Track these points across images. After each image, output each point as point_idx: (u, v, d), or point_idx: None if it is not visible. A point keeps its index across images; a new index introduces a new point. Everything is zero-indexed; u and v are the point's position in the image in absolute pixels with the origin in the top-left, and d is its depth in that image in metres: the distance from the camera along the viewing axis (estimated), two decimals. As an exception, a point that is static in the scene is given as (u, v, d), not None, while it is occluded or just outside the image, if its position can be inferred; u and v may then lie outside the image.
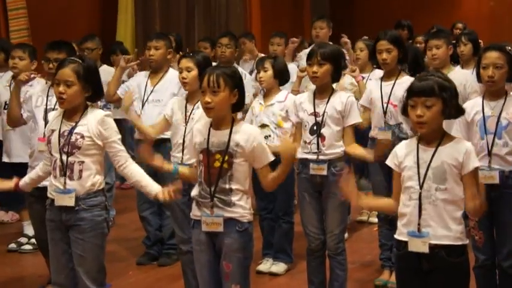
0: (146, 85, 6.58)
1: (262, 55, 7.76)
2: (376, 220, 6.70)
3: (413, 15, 11.74)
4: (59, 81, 4.25)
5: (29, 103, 5.61)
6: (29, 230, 6.76)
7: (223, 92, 4.00)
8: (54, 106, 5.35)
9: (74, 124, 4.27)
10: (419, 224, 3.67)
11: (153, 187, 4.32)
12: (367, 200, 4.07)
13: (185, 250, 5.25)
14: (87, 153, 4.26)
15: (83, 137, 4.24)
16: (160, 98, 6.40)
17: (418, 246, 3.67)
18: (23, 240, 7.18)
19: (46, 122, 5.26)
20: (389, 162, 3.88)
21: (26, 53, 6.60)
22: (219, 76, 4.00)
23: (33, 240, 6.66)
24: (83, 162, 4.25)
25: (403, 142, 3.94)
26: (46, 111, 5.42)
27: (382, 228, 6.04)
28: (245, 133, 4.05)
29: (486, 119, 4.75)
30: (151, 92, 6.52)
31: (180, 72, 5.42)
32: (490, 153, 4.73)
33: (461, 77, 6.13)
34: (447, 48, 6.37)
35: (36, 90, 5.72)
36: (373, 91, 5.89)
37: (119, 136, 4.35)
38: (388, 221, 5.82)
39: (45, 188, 4.53)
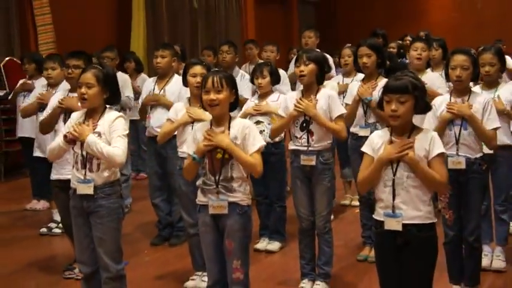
0: (154, 90, 6.55)
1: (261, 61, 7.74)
2: (357, 203, 6.68)
3: (388, 25, 11.71)
4: (81, 83, 4.26)
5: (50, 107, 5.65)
6: (57, 216, 6.73)
7: (225, 92, 4.03)
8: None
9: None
10: (393, 207, 3.69)
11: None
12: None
13: (192, 233, 5.25)
14: None
15: (99, 135, 4.22)
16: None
17: (393, 225, 3.69)
18: (53, 225, 7.17)
19: (66, 122, 5.27)
20: (365, 148, 3.86)
21: (56, 63, 6.55)
22: (222, 78, 4.04)
23: (61, 225, 6.64)
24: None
25: (377, 132, 3.94)
26: (65, 114, 5.40)
27: (363, 211, 6.03)
28: (239, 126, 4.07)
29: None
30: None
31: (193, 77, 5.37)
32: (457, 142, 4.74)
33: (435, 79, 6.27)
34: (429, 53, 6.42)
35: (57, 96, 5.73)
36: (354, 91, 5.85)
37: (124, 133, 4.28)
38: (369, 204, 5.82)
39: (67, 181, 4.52)
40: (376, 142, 3.80)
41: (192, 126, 5.12)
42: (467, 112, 4.64)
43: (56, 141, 4.47)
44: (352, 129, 5.91)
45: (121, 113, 4.45)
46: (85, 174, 4.23)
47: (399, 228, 3.67)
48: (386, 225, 3.71)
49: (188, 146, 4.21)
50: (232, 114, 4.24)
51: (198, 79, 5.29)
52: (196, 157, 4.05)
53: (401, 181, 3.67)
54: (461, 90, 4.82)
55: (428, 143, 3.69)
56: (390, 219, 3.69)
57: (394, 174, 3.68)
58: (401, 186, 3.67)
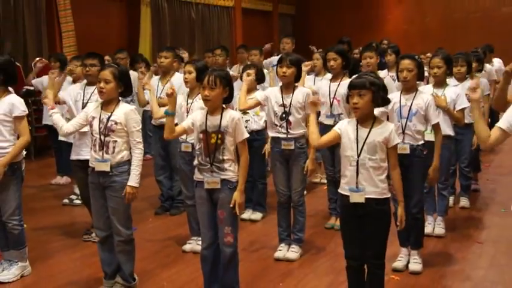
0: (158, 85, 6.52)
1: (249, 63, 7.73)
2: (326, 181, 6.70)
3: (353, 34, 11.71)
4: (100, 79, 4.22)
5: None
6: (77, 190, 6.72)
7: (218, 89, 3.97)
8: (89, 99, 5.38)
9: (109, 114, 4.22)
10: (357, 183, 3.69)
11: (129, 180, 4.24)
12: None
13: (190, 204, 5.24)
14: (118, 135, 4.22)
15: (116, 123, 4.20)
16: None
17: (357, 198, 3.69)
18: (73, 197, 7.15)
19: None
20: (336, 127, 3.84)
21: (80, 62, 6.38)
22: (216, 77, 3.97)
23: (80, 197, 6.61)
24: (116, 141, 4.21)
25: (346, 120, 3.92)
26: (83, 103, 5.40)
27: (330, 187, 6.05)
28: (230, 117, 4.02)
29: (402, 107, 4.77)
30: (162, 90, 6.41)
31: (184, 74, 5.37)
32: (403, 132, 4.75)
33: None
34: (377, 58, 6.33)
35: (76, 89, 5.68)
36: (322, 88, 5.86)
37: (138, 128, 4.27)
38: (334, 182, 5.85)
39: (85, 160, 4.53)
40: (343, 125, 3.79)
41: (187, 115, 5.09)
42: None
43: (71, 122, 4.46)
44: (319, 119, 5.92)
45: (133, 106, 4.42)
46: (102, 155, 4.21)
47: (362, 200, 3.68)
48: (351, 199, 3.70)
49: (186, 120, 4.16)
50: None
51: (186, 76, 5.30)
52: (169, 112, 4.03)
53: (363, 162, 3.68)
54: (408, 88, 4.81)
55: (388, 133, 3.70)
56: (355, 194, 3.70)
57: (359, 156, 3.68)
58: (364, 167, 3.68)
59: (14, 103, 4.61)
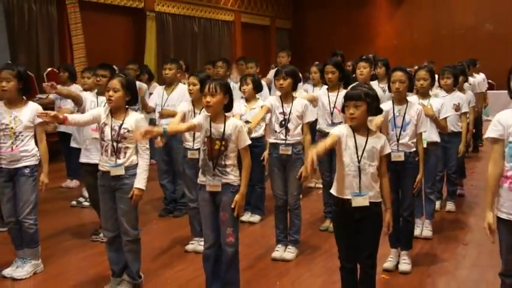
0: (163, 95, 6.56)
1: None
2: (321, 186, 6.72)
3: (346, 48, 11.75)
4: (109, 88, 4.23)
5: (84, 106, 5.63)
6: (86, 192, 6.73)
7: (218, 95, 3.96)
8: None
9: (121, 122, 4.23)
10: (360, 187, 3.67)
11: (135, 184, 4.24)
12: (314, 149, 3.53)
13: (192, 206, 5.25)
14: (130, 141, 4.23)
15: (128, 131, 4.21)
16: (173, 104, 6.37)
17: (361, 201, 3.65)
18: (82, 199, 7.15)
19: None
20: (336, 132, 3.74)
21: (91, 73, 6.43)
22: (216, 84, 3.97)
23: (89, 200, 6.62)
24: (127, 147, 4.23)
25: (343, 125, 3.86)
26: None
27: (325, 192, 6.06)
28: (233, 125, 4.02)
29: (395, 117, 4.79)
30: (167, 99, 6.48)
31: (188, 85, 5.40)
32: (398, 141, 4.77)
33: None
34: (370, 69, 6.38)
35: (90, 96, 5.69)
36: (322, 98, 5.89)
37: None
38: (330, 187, 5.84)
39: (94, 164, 4.55)
40: (343, 131, 3.72)
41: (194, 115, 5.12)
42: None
43: (84, 115, 4.50)
44: (319, 127, 5.94)
45: (142, 115, 4.43)
46: (115, 160, 4.22)
47: (366, 203, 3.64)
48: (354, 203, 3.65)
49: (196, 119, 4.19)
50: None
51: (190, 87, 5.34)
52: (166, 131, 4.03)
53: (364, 168, 3.66)
54: (400, 99, 4.83)
55: (382, 143, 3.72)
56: (358, 198, 3.65)
57: (359, 162, 3.66)
58: (364, 172, 3.66)
59: (38, 110, 4.71)
